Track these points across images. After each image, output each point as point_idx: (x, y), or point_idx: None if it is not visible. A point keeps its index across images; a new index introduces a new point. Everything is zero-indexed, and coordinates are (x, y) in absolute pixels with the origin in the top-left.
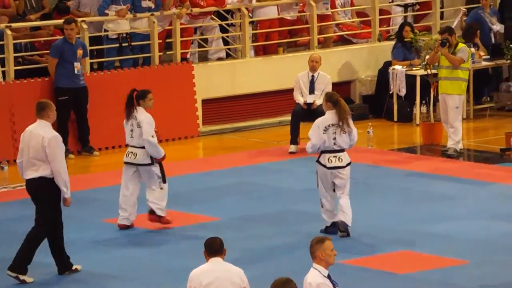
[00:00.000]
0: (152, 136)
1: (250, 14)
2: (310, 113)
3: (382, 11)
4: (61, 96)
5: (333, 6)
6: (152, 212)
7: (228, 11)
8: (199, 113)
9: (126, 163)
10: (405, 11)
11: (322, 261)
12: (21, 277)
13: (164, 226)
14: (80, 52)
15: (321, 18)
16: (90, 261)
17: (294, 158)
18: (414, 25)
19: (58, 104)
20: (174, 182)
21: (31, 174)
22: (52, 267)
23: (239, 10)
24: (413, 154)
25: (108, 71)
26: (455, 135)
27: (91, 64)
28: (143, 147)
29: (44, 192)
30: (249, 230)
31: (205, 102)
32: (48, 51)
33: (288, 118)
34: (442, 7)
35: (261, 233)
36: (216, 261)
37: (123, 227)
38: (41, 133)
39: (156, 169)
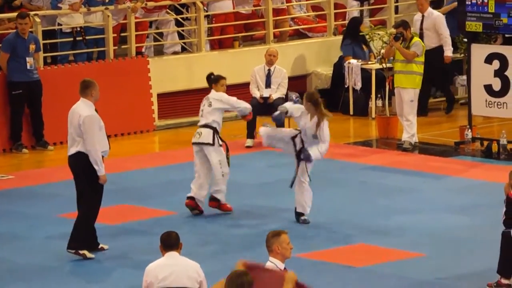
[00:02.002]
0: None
1: (205, 8)
2: (267, 107)
3: (337, 5)
4: (15, 90)
5: (288, 0)
6: (212, 198)
7: (183, 5)
8: (155, 107)
9: (192, 143)
10: (361, 5)
11: (279, 255)
12: (81, 251)
13: (123, 221)
14: (32, 47)
15: (277, 12)
16: (43, 256)
17: (251, 152)
18: (369, 19)
19: (11, 98)
20: (130, 176)
21: (71, 150)
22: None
23: (194, 4)
24: (369, 147)
25: (62, 65)
26: (410, 129)
27: (45, 58)
28: (208, 127)
29: (81, 166)
30: (205, 225)
31: (160, 96)
32: None
33: None
34: (396, 1)
35: (217, 227)
36: (172, 255)
37: (187, 205)
38: (79, 111)
39: (219, 149)
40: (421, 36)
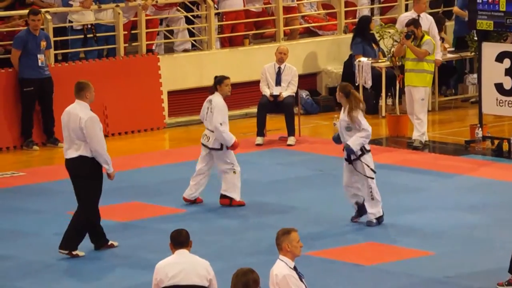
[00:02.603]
0: (221, 124)
1: (215, 5)
2: (276, 105)
3: (347, 3)
4: (26, 87)
5: None
6: (223, 195)
7: (193, 3)
8: (165, 104)
9: (201, 144)
10: (372, 3)
11: (288, 253)
12: (74, 252)
13: (133, 218)
14: (43, 43)
15: (287, 10)
16: (53, 252)
17: (261, 150)
18: (380, 17)
19: (22, 95)
20: (140, 173)
21: (71, 154)
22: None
23: (204, 1)
24: (379, 146)
25: (73, 62)
26: (421, 127)
27: (56, 55)
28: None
29: (84, 171)
30: (215, 222)
31: (170, 93)
32: (11, 42)
33: (254, 110)
34: (407, 0)
35: (227, 225)
36: (182, 253)
37: (185, 201)
38: (78, 114)
39: (227, 153)
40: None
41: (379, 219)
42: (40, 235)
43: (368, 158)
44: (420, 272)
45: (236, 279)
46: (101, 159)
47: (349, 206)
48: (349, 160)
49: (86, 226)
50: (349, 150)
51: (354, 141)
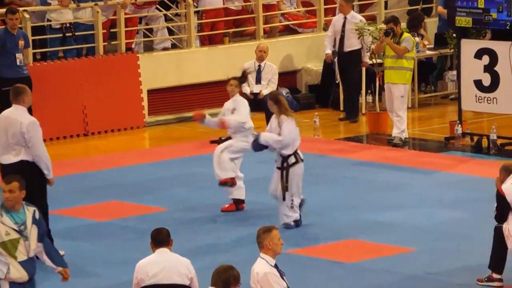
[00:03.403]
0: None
1: (195, 4)
2: (257, 103)
3: (327, 1)
4: (4, 87)
5: None
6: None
7: (173, 1)
8: (145, 103)
9: None
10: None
11: (270, 251)
12: None
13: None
14: (22, 42)
15: (267, 7)
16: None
17: None
18: (360, 14)
19: (1, 94)
20: (120, 172)
21: (10, 159)
22: None
23: (184, 0)
24: (359, 143)
25: (52, 61)
26: (400, 124)
27: (34, 54)
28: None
29: (26, 176)
30: (196, 221)
31: (150, 92)
32: None
33: None
34: None
35: (208, 223)
36: (162, 252)
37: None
38: (18, 119)
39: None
40: (342, 38)
41: (297, 222)
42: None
43: (298, 170)
44: (401, 268)
45: (216, 276)
46: (42, 164)
47: (330, 203)
48: (280, 167)
49: None
50: (255, 142)
51: (266, 135)
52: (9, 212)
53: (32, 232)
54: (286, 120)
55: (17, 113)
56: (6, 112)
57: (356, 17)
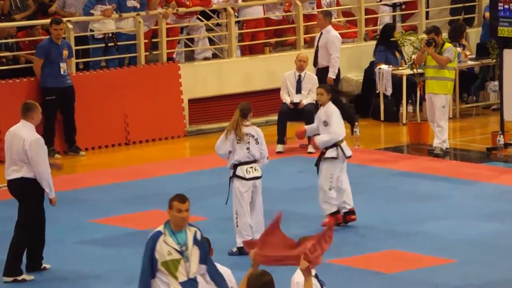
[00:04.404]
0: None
1: (236, 13)
2: (297, 112)
3: (368, 11)
4: (48, 96)
5: (319, 5)
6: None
7: (214, 11)
8: (186, 112)
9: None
10: (393, 11)
11: None
12: (19, 278)
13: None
14: (65, 52)
15: (307, 17)
16: (74, 261)
17: (281, 158)
18: (401, 24)
19: (45, 104)
20: (161, 182)
21: (13, 175)
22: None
23: (225, 9)
24: (400, 153)
25: (94, 71)
26: (442, 134)
27: (77, 64)
28: None
29: (27, 192)
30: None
31: (191, 101)
32: (33, 51)
33: (275, 117)
34: (427, 7)
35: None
36: None
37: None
38: (22, 135)
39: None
40: (316, 53)
41: (241, 249)
42: (62, 243)
43: (237, 183)
44: (442, 280)
45: (251, 284)
46: (44, 182)
47: (370, 213)
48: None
49: (22, 246)
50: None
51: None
52: (173, 233)
53: (193, 253)
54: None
55: (23, 129)
56: (13, 128)
57: (330, 32)
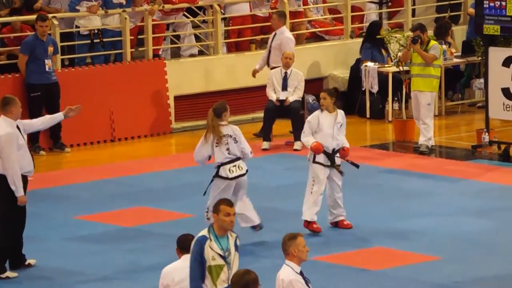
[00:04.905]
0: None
1: (222, 10)
2: (283, 109)
3: (354, 8)
4: (33, 93)
5: (305, 3)
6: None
7: (200, 8)
8: (172, 109)
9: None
10: (380, 8)
11: (295, 258)
12: (3, 275)
13: (140, 223)
14: (51, 49)
15: (294, 15)
16: (60, 258)
17: (267, 155)
18: (387, 22)
19: (30, 100)
20: (147, 178)
21: None
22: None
23: (211, 6)
24: (386, 150)
25: (80, 67)
26: (427, 132)
27: (62, 60)
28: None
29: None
30: None
31: (177, 98)
32: (18, 48)
33: (261, 114)
34: (413, 4)
35: (234, 229)
36: (188, 258)
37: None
38: None
39: None
40: (269, 53)
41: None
42: (47, 240)
43: (219, 182)
44: (427, 277)
45: (234, 283)
46: (9, 179)
47: (356, 210)
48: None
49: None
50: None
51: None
52: (217, 238)
53: (235, 259)
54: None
55: (0, 123)
56: None
57: (283, 33)
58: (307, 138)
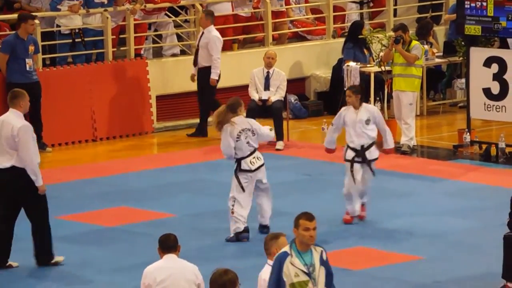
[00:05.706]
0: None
1: (204, 10)
2: (265, 109)
3: (336, 8)
4: None
5: (287, 2)
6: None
7: (182, 7)
8: (153, 109)
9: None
10: (361, 8)
11: None
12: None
13: (121, 223)
14: (31, 48)
15: (276, 14)
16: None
17: None
18: (369, 22)
19: None
20: (128, 178)
21: (3, 164)
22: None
23: (193, 6)
24: None
25: (61, 67)
26: (409, 132)
27: (44, 59)
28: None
29: (18, 182)
30: (203, 227)
31: (159, 98)
32: None
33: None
34: (395, 5)
35: (215, 230)
36: (170, 257)
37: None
38: (11, 122)
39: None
40: (196, 52)
41: (237, 235)
42: (28, 240)
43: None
44: (410, 277)
45: (212, 282)
46: (29, 169)
47: (338, 210)
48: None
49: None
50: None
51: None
52: (299, 253)
53: (321, 274)
54: (224, 131)
55: (11, 117)
56: (3, 116)
57: (211, 32)
58: (326, 137)
